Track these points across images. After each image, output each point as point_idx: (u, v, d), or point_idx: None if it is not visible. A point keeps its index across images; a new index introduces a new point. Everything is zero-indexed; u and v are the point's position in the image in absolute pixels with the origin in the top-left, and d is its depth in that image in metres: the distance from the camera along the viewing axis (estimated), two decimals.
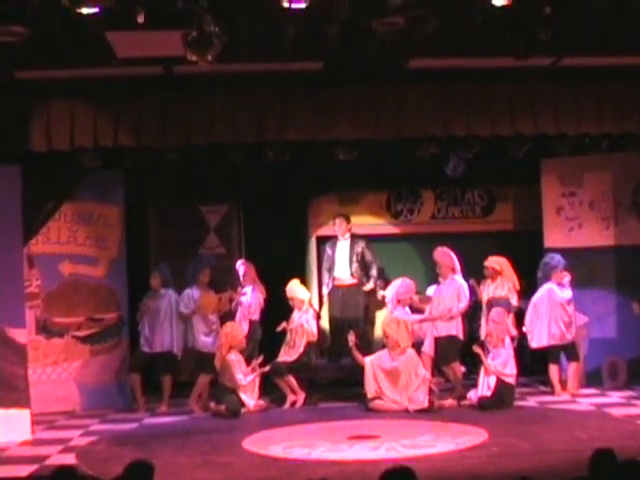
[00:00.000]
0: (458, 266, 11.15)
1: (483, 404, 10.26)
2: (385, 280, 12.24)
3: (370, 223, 13.39)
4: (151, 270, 11.58)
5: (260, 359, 10.82)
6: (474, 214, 13.74)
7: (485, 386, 10.42)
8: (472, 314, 11.65)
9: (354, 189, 13.32)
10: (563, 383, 11.31)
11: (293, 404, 11.02)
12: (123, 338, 11.59)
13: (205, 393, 11.09)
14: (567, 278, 11.40)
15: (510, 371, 10.47)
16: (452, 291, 11.05)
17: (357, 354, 10.72)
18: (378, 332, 11.95)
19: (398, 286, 11.48)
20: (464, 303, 11.03)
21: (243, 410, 10.54)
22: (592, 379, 11.67)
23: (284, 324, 11.21)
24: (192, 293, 11.22)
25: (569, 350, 11.39)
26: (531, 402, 10.96)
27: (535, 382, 12.04)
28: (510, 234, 13.43)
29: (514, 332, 11.02)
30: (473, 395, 10.52)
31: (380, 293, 11.93)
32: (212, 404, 10.68)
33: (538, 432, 8.98)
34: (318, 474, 7.19)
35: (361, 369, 10.61)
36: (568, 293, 11.41)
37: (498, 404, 10.25)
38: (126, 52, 8.20)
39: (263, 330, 11.85)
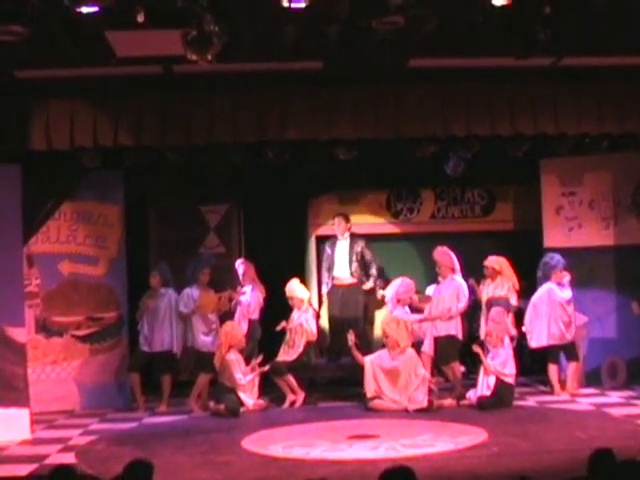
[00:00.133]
0: (458, 266, 11.14)
1: (482, 404, 10.25)
2: (385, 279, 12.23)
3: (370, 222, 13.38)
4: (151, 269, 11.58)
5: (259, 358, 10.82)
6: (474, 214, 13.72)
7: (484, 386, 10.41)
8: (472, 314, 11.65)
9: (354, 189, 13.31)
10: (562, 383, 11.31)
11: (292, 403, 11.02)
12: (123, 337, 11.59)
13: (205, 392, 11.09)
14: (567, 278, 11.40)
15: (509, 371, 10.46)
16: (452, 291, 11.05)
17: (357, 353, 10.71)
18: (378, 332, 11.95)
19: (398, 285, 11.48)
20: (463, 303, 11.03)
21: (242, 409, 10.53)
22: (592, 379, 11.68)
23: (283, 323, 11.21)
24: (192, 292, 11.21)
25: (569, 350, 11.39)
26: (530, 402, 10.95)
27: (534, 382, 12.03)
28: (510, 234, 13.42)
29: (514, 332, 11.02)
30: (472, 395, 10.51)
31: (380, 292, 11.93)
32: (211, 403, 10.67)
33: (537, 432, 8.97)
34: (317, 474, 7.17)
35: (361, 369, 10.60)
36: (568, 293, 11.40)
37: (497, 404, 10.24)
38: (126, 51, 8.20)
39: (262, 329, 11.86)
